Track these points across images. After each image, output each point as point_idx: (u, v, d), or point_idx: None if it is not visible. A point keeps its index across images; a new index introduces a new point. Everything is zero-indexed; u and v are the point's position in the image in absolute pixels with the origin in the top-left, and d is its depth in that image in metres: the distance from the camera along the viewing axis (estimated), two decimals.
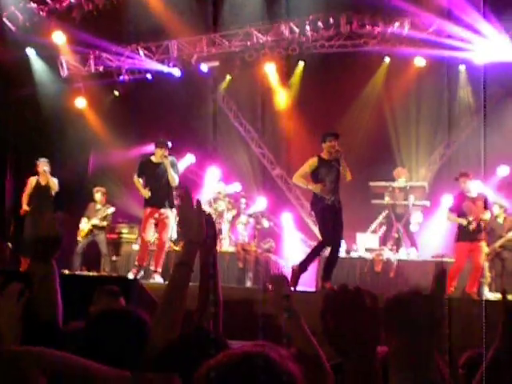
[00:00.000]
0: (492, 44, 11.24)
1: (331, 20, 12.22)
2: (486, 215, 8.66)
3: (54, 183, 10.31)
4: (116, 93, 14.05)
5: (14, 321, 2.23)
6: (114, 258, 11.30)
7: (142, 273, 8.99)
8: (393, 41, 12.36)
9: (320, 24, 12.29)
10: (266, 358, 1.25)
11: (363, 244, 10.59)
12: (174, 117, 13.34)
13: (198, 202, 2.38)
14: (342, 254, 9.45)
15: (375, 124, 13.19)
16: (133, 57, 13.31)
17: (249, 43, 12.89)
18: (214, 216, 10.38)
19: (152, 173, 8.93)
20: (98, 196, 11.11)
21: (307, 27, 12.40)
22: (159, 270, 8.85)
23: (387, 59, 13.14)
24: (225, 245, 11.14)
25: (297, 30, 12.55)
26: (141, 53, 13.25)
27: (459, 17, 11.12)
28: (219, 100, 14.79)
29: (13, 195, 12.22)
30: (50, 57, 12.96)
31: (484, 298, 8.73)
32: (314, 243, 9.07)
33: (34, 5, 12.00)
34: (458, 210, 8.78)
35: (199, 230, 2.30)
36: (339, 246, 8.14)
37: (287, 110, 14.06)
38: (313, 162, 7.95)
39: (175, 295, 2.19)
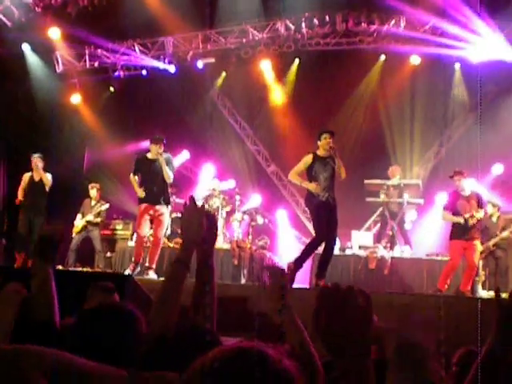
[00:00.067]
0: (487, 42, 11.27)
1: (327, 18, 12.22)
2: (480, 214, 8.67)
3: (48, 179, 10.27)
4: (111, 89, 14.02)
5: (6, 319, 2.24)
6: (108, 254, 11.30)
7: (139, 269, 8.98)
8: (388, 39, 12.38)
9: (316, 21, 12.29)
10: (262, 353, 1.25)
11: (357, 241, 10.61)
12: (169, 113, 13.35)
13: (192, 198, 2.43)
14: (337, 251, 9.46)
15: (370, 122, 13.22)
16: (128, 53, 13.29)
17: (244, 40, 12.89)
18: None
19: (147, 169, 8.92)
20: (93, 192, 11.10)
21: (303, 25, 12.40)
22: (153, 266, 8.85)
23: (382, 57, 13.17)
24: (219, 242, 11.10)
25: (292, 28, 12.55)
26: (136, 49, 13.23)
27: (454, 15, 11.14)
28: (214, 97, 14.79)
29: (7, 191, 12.18)
30: (46, 52, 12.94)
31: (478, 296, 8.76)
32: (308, 240, 9.07)
33: (29, 0, 11.96)
34: (453, 209, 8.79)
35: (198, 229, 2.35)
36: (334, 243, 8.13)
37: (282, 107, 14.07)
38: (308, 159, 7.96)
39: (170, 292, 2.22)
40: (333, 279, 8.66)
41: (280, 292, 2.16)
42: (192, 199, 2.45)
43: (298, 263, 7.71)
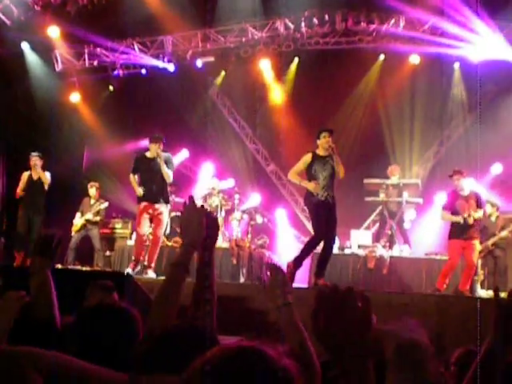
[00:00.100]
0: (486, 42, 11.27)
1: (326, 17, 12.21)
2: (479, 213, 8.67)
3: (46, 177, 10.25)
4: (111, 88, 14.02)
5: (5, 318, 2.25)
6: (107, 253, 11.30)
7: (139, 267, 8.98)
8: (388, 38, 12.37)
9: (315, 21, 12.28)
10: (261, 353, 1.25)
11: (356, 241, 10.60)
12: (169, 112, 13.33)
13: (191, 197, 2.43)
14: (336, 250, 9.46)
15: (369, 121, 13.21)
16: (127, 52, 13.28)
17: (244, 39, 12.88)
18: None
19: (147, 168, 8.91)
20: (92, 191, 11.09)
21: (302, 24, 12.39)
22: (152, 265, 8.85)
23: (382, 56, 13.16)
24: (218, 241, 11.12)
25: (292, 27, 12.54)
26: (135, 48, 13.22)
27: (454, 15, 11.14)
28: (214, 96, 14.79)
29: (6, 190, 12.17)
30: (45, 51, 12.93)
31: (477, 296, 8.76)
32: (307, 239, 9.07)
33: None
34: (452, 208, 8.79)
35: (198, 229, 2.35)
36: (333, 242, 8.12)
37: (282, 106, 14.06)
38: (307, 158, 7.95)
39: (169, 294, 2.23)
40: (332, 278, 8.67)
41: (280, 290, 2.16)
42: (191, 199, 2.45)
43: (297, 262, 7.70)
